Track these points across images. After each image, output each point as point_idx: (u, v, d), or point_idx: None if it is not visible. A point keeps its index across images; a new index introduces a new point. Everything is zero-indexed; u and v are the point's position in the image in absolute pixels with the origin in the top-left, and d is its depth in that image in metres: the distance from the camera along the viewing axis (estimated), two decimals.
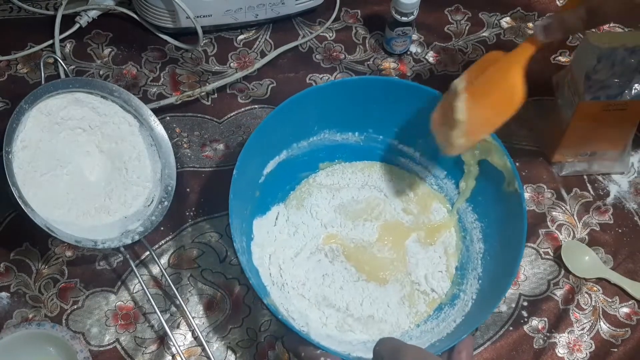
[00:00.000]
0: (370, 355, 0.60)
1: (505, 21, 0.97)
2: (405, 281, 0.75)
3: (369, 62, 0.93)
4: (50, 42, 0.90)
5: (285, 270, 0.74)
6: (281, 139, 0.78)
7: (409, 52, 0.94)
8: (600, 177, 0.85)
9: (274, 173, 0.78)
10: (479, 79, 0.69)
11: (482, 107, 0.68)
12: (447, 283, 0.75)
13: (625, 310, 0.77)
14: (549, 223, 0.82)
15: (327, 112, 0.78)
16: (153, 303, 0.72)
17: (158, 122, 0.80)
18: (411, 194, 0.81)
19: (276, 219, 0.78)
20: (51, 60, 0.89)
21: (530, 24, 0.97)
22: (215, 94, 0.89)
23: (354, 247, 0.76)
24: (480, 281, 0.74)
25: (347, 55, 0.93)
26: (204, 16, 0.88)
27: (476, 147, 0.76)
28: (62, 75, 0.86)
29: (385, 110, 0.79)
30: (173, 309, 0.75)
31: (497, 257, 0.74)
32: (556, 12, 0.66)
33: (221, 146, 0.85)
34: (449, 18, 0.97)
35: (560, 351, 0.74)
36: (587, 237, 0.81)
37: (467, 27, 0.96)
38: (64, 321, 0.73)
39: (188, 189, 0.82)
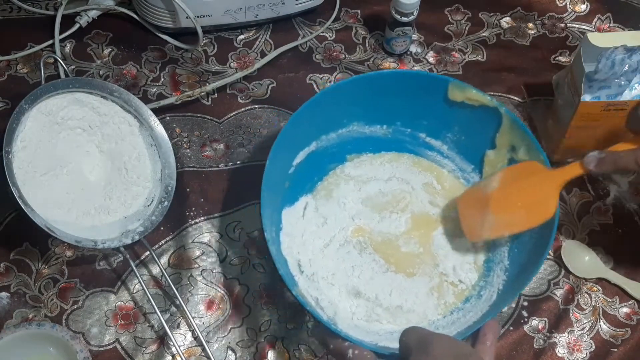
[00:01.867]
0: (397, 345, 0.60)
1: (505, 21, 0.97)
2: (433, 273, 0.75)
3: (369, 62, 0.93)
4: (50, 42, 0.90)
5: (315, 260, 0.74)
6: (311, 130, 0.78)
7: (409, 52, 0.94)
8: (600, 177, 0.85)
9: (302, 164, 0.78)
10: (515, 184, 0.73)
11: (512, 211, 0.73)
12: (474, 275, 0.76)
13: (625, 310, 0.77)
14: None
15: (356, 105, 0.79)
16: (153, 303, 0.72)
17: (158, 122, 0.80)
18: (438, 187, 0.81)
19: (304, 209, 0.78)
20: (51, 60, 0.89)
21: (530, 24, 0.97)
22: (215, 94, 0.89)
23: (381, 241, 0.77)
24: (507, 273, 0.74)
25: (347, 55, 0.93)
26: (204, 16, 0.88)
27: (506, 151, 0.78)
28: (62, 75, 0.86)
29: (413, 103, 0.79)
30: (173, 309, 0.75)
31: (524, 249, 0.74)
32: (612, 149, 0.68)
33: (221, 146, 0.85)
34: (449, 18, 0.97)
35: (560, 351, 0.74)
36: (587, 237, 0.81)
37: (467, 27, 0.96)
38: (64, 321, 0.73)
39: (188, 189, 0.82)
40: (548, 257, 0.80)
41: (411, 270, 0.75)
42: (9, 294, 0.74)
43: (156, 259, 0.75)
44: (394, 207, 0.79)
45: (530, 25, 0.97)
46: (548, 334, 0.75)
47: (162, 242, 0.78)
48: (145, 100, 0.84)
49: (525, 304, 0.77)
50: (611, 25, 0.98)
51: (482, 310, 0.71)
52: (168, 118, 0.86)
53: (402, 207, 0.79)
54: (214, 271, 0.77)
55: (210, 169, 0.84)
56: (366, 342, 0.67)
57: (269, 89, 0.90)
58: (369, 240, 0.77)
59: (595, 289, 0.78)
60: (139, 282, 0.74)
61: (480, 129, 0.78)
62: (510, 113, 0.76)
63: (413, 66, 0.92)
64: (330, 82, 0.90)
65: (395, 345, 0.63)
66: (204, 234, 0.79)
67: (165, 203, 0.78)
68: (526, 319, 0.76)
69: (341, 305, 0.72)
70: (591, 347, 0.75)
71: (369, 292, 0.73)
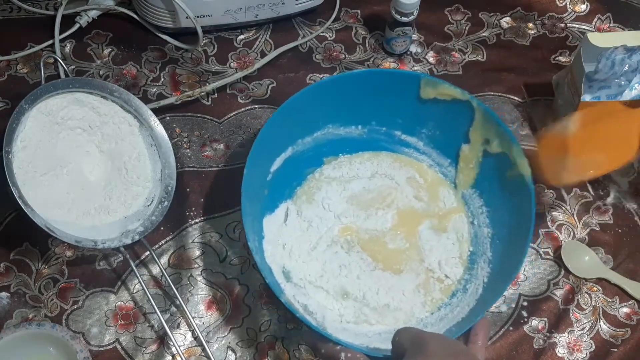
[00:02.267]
0: (387, 345, 0.60)
1: (505, 21, 0.97)
2: (419, 269, 0.76)
3: (369, 62, 0.93)
4: (50, 42, 0.90)
5: (302, 264, 0.75)
6: (287, 135, 0.78)
7: (409, 52, 0.94)
8: (600, 177, 0.85)
9: (280, 170, 0.78)
10: (595, 125, 0.72)
11: (593, 153, 0.71)
12: (460, 269, 0.76)
13: (625, 310, 0.77)
14: (549, 223, 0.82)
15: (330, 107, 0.79)
16: (153, 303, 0.72)
17: (158, 122, 0.80)
18: (421, 181, 0.82)
19: (286, 215, 0.78)
20: (51, 60, 0.89)
21: (530, 24, 0.97)
22: (215, 94, 0.89)
23: (368, 238, 0.77)
24: (490, 265, 0.74)
25: (347, 55, 0.93)
26: (204, 16, 0.88)
27: (479, 146, 0.77)
28: (62, 75, 0.86)
29: (387, 102, 0.80)
30: (173, 309, 0.75)
31: (506, 241, 0.74)
32: None
33: (221, 146, 0.85)
34: (449, 18, 0.97)
35: (560, 351, 0.74)
36: (587, 237, 0.81)
37: (467, 27, 0.96)
38: (64, 321, 0.73)
39: (188, 189, 0.82)
40: (548, 257, 0.80)
41: (398, 267, 0.76)
42: (9, 294, 0.74)
43: (156, 259, 0.75)
44: (380, 203, 0.79)
45: (530, 25, 0.97)
46: (548, 334, 0.75)
47: (162, 242, 0.78)
48: (145, 100, 0.84)
49: (525, 304, 0.77)
50: (611, 25, 0.98)
51: (470, 305, 0.72)
52: (168, 118, 0.86)
53: (388, 203, 0.79)
54: (214, 271, 0.77)
55: (210, 169, 0.84)
56: (357, 344, 0.67)
57: (269, 89, 0.90)
58: (356, 239, 0.77)
59: (595, 289, 0.78)
60: (139, 282, 0.74)
61: (455, 123, 0.79)
62: (482, 105, 0.76)
63: (413, 66, 0.92)
64: None
65: (385, 346, 0.63)
66: (204, 234, 0.79)
67: (165, 203, 0.78)
68: (526, 319, 0.76)
69: (329, 308, 0.72)
70: (591, 347, 0.75)
71: (356, 291, 0.73)
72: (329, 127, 0.81)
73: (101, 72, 0.89)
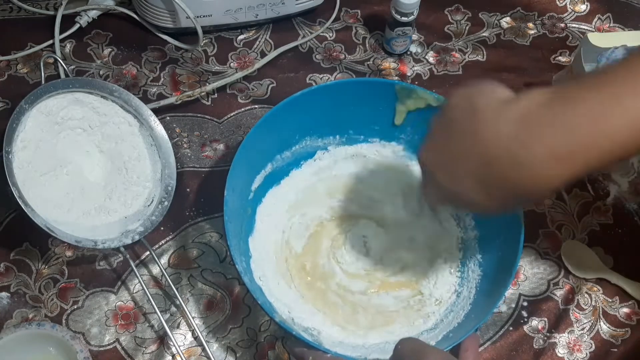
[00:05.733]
0: (384, 356, 0.60)
1: (505, 21, 0.97)
2: (414, 291, 0.75)
3: (369, 62, 0.93)
4: (50, 42, 0.90)
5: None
6: (265, 153, 0.77)
7: (409, 52, 0.94)
8: (600, 177, 0.85)
9: (261, 187, 0.78)
10: None
11: None
12: (453, 278, 0.76)
13: (625, 310, 0.77)
14: (549, 223, 0.82)
15: (306, 120, 0.78)
16: (153, 303, 0.72)
17: (158, 122, 0.80)
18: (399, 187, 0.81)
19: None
20: (51, 60, 0.89)
21: (530, 24, 0.97)
22: (215, 94, 0.89)
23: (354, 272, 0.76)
24: (481, 268, 0.74)
25: (347, 55, 0.93)
26: (204, 16, 0.88)
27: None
28: (62, 75, 0.86)
29: (363, 110, 0.79)
30: (173, 309, 0.75)
31: (494, 242, 0.74)
32: None
33: (221, 146, 0.85)
34: (449, 18, 0.97)
35: (560, 351, 0.74)
36: (587, 237, 0.81)
37: (467, 27, 0.96)
38: (64, 321, 0.73)
39: (188, 189, 0.82)
40: (548, 257, 0.80)
41: (392, 289, 0.75)
42: (9, 294, 0.74)
43: (156, 259, 0.75)
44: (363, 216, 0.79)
45: (530, 25, 0.97)
46: (548, 334, 0.75)
47: (162, 242, 0.79)
48: (145, 100, 0.84)
49: (525, 304, 0.77)
50: (611, 25, 0.98)
51: (464, 309, 0.71)
52: (168, 118, 0.86)
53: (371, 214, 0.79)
54: (214, 271, 0.77)
55: (210, 169, 0.84)
56: (355, 356, 0.67)
57: (269, 89, 0.90)
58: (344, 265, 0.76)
59: (595, 289, 0.78)
60: (139, 282, 0.74)
61: None
62: None
63: (413, 66, 0.92)
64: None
65: (383, 356, 0.63)
66: (204, 234, 0.79)
67: (165, 203, 0.78)
68: (526, 319, 0.76)
69: (324, 322, 0.72)
70: (591, 347, 0.75)
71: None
72: (306, 139, 0.80)
73: (101, 72, 0.89)
